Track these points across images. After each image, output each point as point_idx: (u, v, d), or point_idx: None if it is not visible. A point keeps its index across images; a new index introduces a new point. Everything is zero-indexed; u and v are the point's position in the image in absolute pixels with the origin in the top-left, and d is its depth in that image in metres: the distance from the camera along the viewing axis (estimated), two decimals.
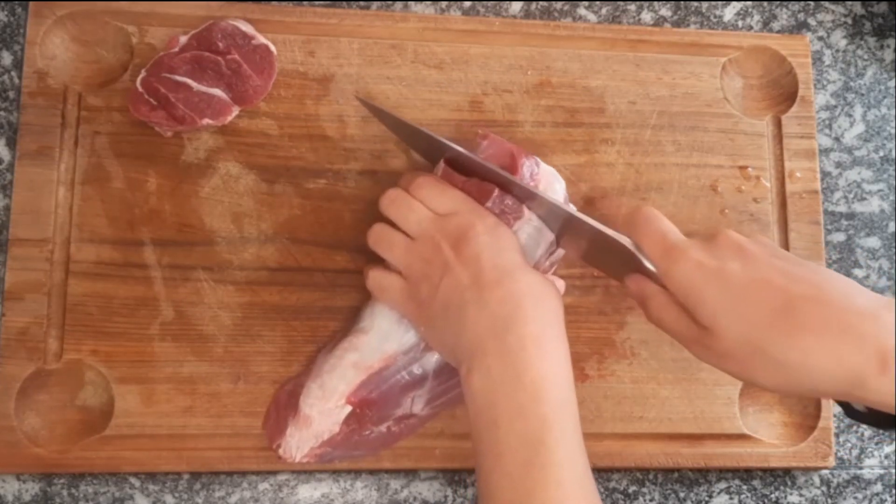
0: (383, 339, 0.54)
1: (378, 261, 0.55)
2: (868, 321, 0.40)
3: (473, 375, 0.47)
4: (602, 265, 0.56)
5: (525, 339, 0.46)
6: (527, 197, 0.52)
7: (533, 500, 0.43)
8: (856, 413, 0.45)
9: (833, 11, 0.69)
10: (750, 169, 0.64)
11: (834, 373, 0.41)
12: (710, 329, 0.44)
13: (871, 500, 0.62)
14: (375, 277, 0.54)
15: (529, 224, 0.53)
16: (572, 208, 0.52)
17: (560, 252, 0.55)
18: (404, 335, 0.54)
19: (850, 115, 0.68)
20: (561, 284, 0.57)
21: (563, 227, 0.53)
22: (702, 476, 0.61)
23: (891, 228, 0.67)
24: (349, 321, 0.57)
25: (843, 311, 0.41)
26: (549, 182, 0.55)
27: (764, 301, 0.42)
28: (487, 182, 0.53)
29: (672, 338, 0.47)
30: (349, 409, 0.54)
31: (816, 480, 0.62)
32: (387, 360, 0.54)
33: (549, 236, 0.53)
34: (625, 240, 0.48)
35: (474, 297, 0.48)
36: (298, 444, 0.55)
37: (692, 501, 0.61)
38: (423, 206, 0.52)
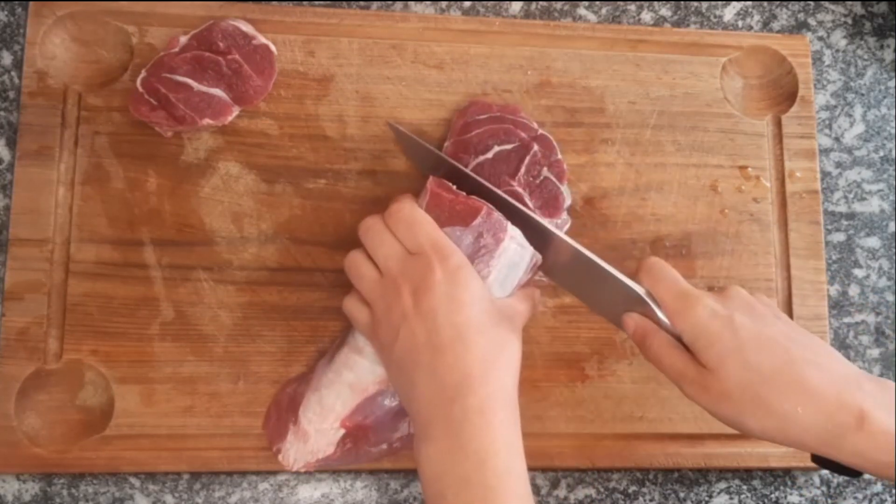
0: (376, 361, 0.54)
1: None
2: (853, 386, 0.47)
3: (422, 445, 0.47)
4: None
5: (469, 411, 0.47)
6: (540, 232, 0.53)
7: None
8: (822, 459, 0.50)
9: (833, 11, 0.69)
10: (750, 169, 0.64)
11: (820, 426, 0.46)
12: (714, 370, 0.48)
13: (871, 501, 0.62)
14: (348, 305, 0.54)
15: (513, 242, 0.52)
16: (584, 251, 0.53)
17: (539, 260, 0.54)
18: None
19: (850, 115, 0.68)
20: (537, 294, 0.56)
21: (567, 264, 0.54)
22: (702, 476, 0.61)
23: (891, 228, 0.67)
24: (349, 321, 0.57)
25: (835, 376, 0.47)
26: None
27: (769, 354, 0.47)
28: (476, 198, 0.52)
29: (665, 375, 0.51)
30: (343, 431, 0.54)
31: (816, 480, 0.62)
32: (381, 384, 0.54)
33: (531, 252, 0.53)
34: (640, 288, 0.51)
35: (426, 360, 0.48)
36: (296, 456, 0.55)
37: (692, 501, 0.61)
38: (395, 239, 0.51)
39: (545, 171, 0.58)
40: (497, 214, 0.52)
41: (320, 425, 0.54)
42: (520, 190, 0.57)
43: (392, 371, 0.51)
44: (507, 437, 0.47)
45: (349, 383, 0.54)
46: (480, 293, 0.50)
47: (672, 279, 0.51)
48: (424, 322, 0.48)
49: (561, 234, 0.53)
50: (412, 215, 0.51)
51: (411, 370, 0.49)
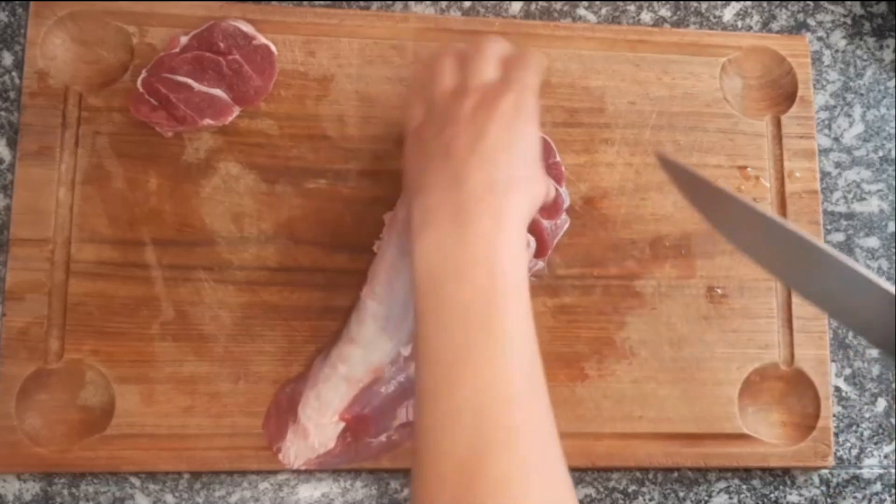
0: (368, 349, 0.54)
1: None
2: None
3: (420, 236, 0.44)
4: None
5: (483, 208, 0.44)
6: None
7: (476, 364, 0.41)
8: None
9: (833, 11, 0.69)
10: (749, 169, 0.64)
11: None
12: None
13: (870, 500, 0.63)
14: (408, 101, 0.51)
15: None
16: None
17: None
18: (387, 344, 0.54)
19: (849, 116, 0.68)
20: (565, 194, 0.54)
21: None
22: (701, 476, 0.61)
23: (890, 228, 0.67)
24: (347, 321, 0.57)
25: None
26: None
27: None
28: None
29: None
30: (343, 424, 0.54)
31: (816, 480, 0.62)
32: (375, 373, 0.54)
33: None
34: None
35: (460, 160, 0.45)
36: (297, 453, 0.55)
37: (692, 501, 0.61)
38: (492, 69, 0.49)
39: None
40: None
41: (319, 420, 0.54)
42: None
43: (413, 159, 0.48)
44: (515, 253, 0.44)
45: (344, 376, 0.54)
46: (533, 140, 0.48)
47: None
48: (472, 128, 0.46)
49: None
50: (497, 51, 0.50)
51: (438, 165, 0.46)
